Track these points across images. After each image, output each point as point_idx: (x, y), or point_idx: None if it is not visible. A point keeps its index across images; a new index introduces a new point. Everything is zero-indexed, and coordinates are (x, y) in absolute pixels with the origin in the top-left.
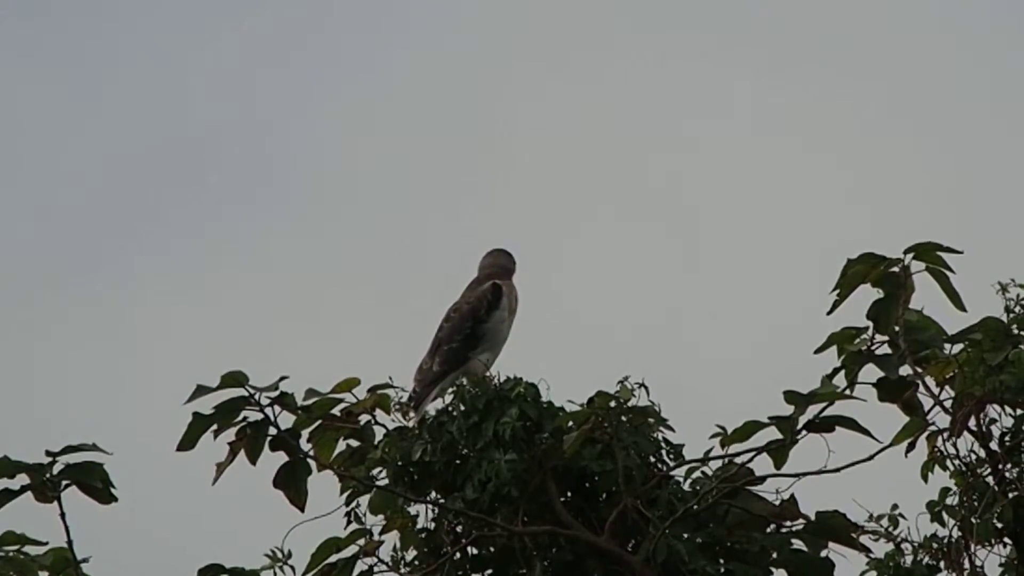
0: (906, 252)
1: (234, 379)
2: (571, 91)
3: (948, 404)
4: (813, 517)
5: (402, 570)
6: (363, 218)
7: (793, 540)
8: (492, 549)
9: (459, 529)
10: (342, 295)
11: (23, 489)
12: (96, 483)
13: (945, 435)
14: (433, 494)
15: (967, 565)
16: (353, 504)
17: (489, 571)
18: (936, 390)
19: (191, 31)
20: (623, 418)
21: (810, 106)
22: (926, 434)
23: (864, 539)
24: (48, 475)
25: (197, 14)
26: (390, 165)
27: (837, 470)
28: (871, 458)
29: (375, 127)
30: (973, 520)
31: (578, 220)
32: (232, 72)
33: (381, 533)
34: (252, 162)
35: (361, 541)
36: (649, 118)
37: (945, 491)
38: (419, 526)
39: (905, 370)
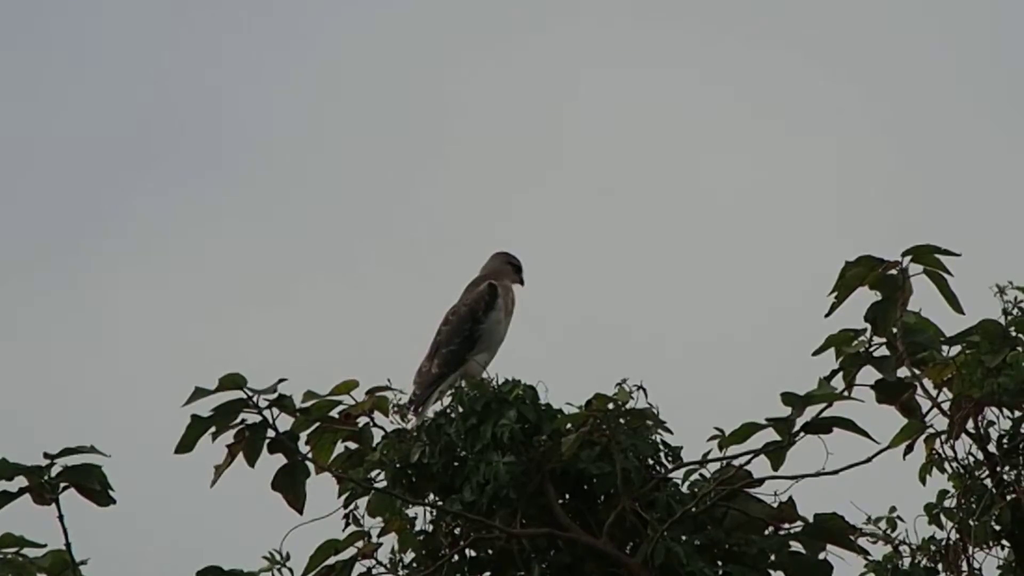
0: (904, 254)
1: (232, 381)
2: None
3: (946, 406)
4: (811, 519)
5: (400, 572)
6: (330, 199)
7: (791, 542)
8: (490, 551)
9: (457, 531)
10: (309, 276)
11: (21, 491)
12: (94, 485)
13: (943, 437)
14: (431, 496)
15: (965, 567)
16: (351, 506)
17: (487, 573)
18: (934, 392)
19: (152, 23)
20: (621, 420)
21: (805, 101)
22: (924, 436)
23: (862, 541)
24: (46, 477)
25: (159, 7)
26: (359, 151)
27: (835, 472)
28: (869, 460)
29: (341, 111)
30: (971, 522)
31: (573, 220)
32: (193, 60)
33: (379, 535)
34: (218, 148)
35: (359, 543)
36: (622, 110)
37: (943, 493)
38: (417, 528)
39: (903, 372)
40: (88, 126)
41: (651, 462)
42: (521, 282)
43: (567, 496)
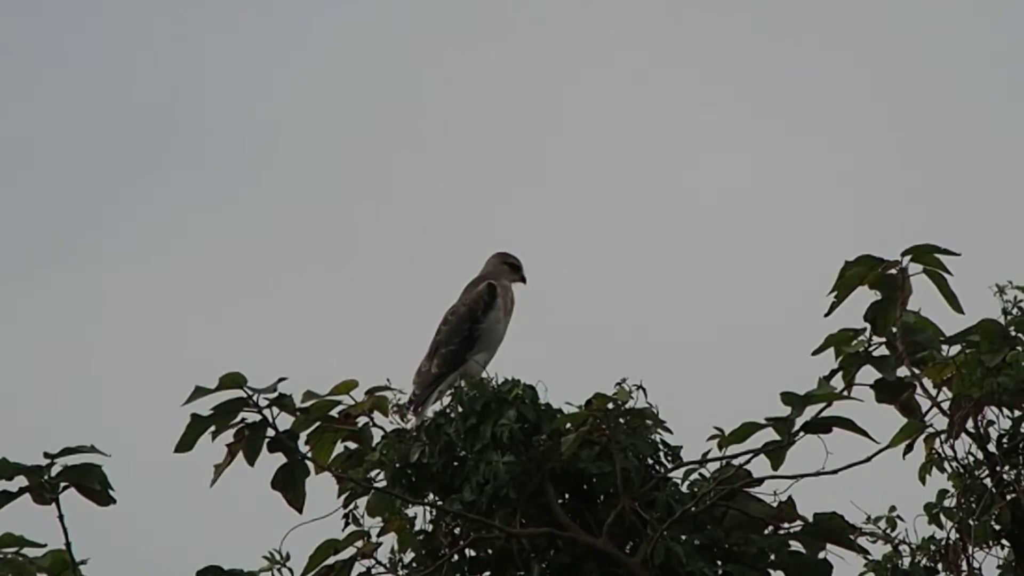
0: (904, 254)
1: (232, 380)
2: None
3: (946, 406)
4: (811, 519)
5: (400, 572)
6: (326, 189)
7: (791, 542)
8: (490, 551)
9: (457, 531)
10: (308, 276)
11: (21, 491)
12: (94, 485)
13: (943, 437)
14: (431, 496)
15: (965, 567)
16: (351, 506)
17: (487, 573)
18: (934, 392)
19: (151, 21)
20: (621, 420)
21: (805, 101)
22: (924, 436)
23: (862, 541)
24: (46, 477)
25: (159, 5)
26: (353, 144)
27: (835, 472)
28: (869, 459)
29: (333, 103)
30: (971, 522)
31: (573, 221)
32: (193, 59)
33: (379, 535)
34: (217, 148)
35: (359, 543)
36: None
37: (943, 493)
38: (417, 528)
39: (903, 371)
40: (87, 125)
41: (651, 462)
42: (523, 280)
43: (567, 496)
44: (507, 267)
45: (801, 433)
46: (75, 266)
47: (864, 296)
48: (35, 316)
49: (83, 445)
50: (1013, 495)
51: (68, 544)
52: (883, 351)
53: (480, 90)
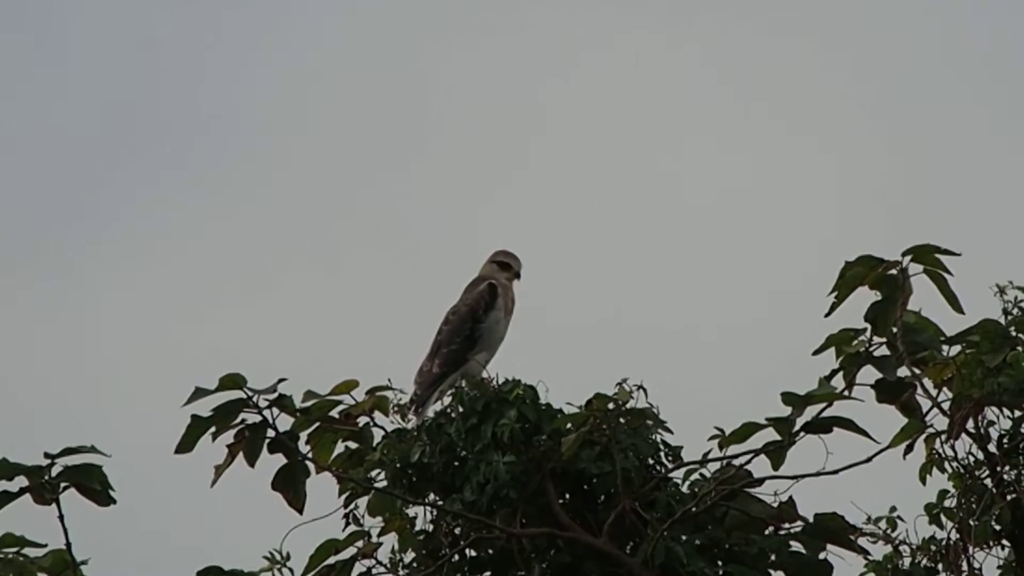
0: (904, 254)
1: (232, 381)
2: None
3: (946, 406)
4: (811, 519)
5: (400, 572)
6: (325, 189)
7: (791, 542)
8: (490, 551)
9: (457, 531)
10: (310, 276)
11: (22, 491)
12: (94, 485)
13: (943, 437)
14: (431, 496)
15: (965, 567)
16: (352, 506)
17: (487, 573)
18: (934, 392)
19: (141, 20)
20: (621, 420)
21: (805, 101)
22: (924, 436)
23: (862, 541)
24: (47, 477)
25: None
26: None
27: (835, 472)
28: (869, 460)
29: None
30: (971, 522)
31: (572, 219)
32: (183, 55)
33: (379, 535)
34: (212, 146)
35: (359, 543)
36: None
37: (943, 493)
38: (417, 528)
39: (903, 372)
40: (85, 125)
41: (651, 462)
42: (518, 276)
43: (567, 496)
44: (508, 266)
45: (802, 433)
46: (74, 265)
47: (864, 296)
48: (34, 316)
49: (83, 445)
50: (1013, 495)
51: (68, 544)
52: (883, 351)
53: (479, 89)
